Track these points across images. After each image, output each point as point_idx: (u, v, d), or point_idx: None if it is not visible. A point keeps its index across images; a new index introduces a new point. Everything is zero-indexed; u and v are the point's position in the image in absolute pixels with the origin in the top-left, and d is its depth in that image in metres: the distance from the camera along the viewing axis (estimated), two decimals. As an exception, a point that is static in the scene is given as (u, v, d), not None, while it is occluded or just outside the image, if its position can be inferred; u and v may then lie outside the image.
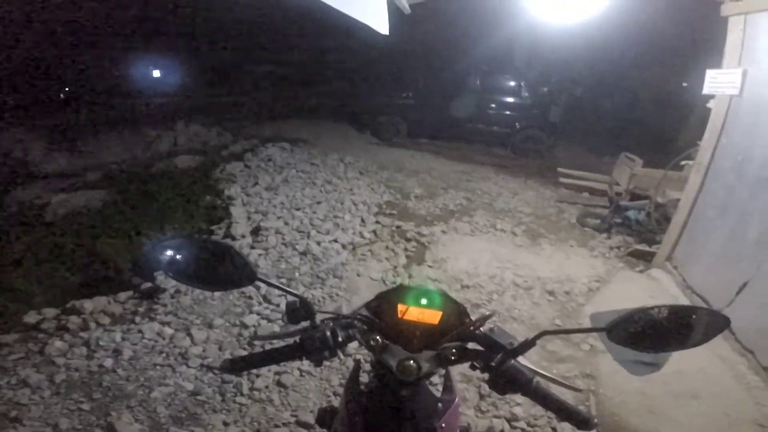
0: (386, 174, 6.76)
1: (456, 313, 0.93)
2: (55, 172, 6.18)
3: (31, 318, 2.70)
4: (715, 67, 3.48)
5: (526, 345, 0.85)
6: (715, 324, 0.80)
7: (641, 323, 0.79)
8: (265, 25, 13.01)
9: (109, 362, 2.39)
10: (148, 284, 3.14)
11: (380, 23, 2.14)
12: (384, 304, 0.95)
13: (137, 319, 2.80)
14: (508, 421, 2.24)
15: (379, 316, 0.95)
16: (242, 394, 2.27)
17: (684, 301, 3.28)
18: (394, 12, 2.77)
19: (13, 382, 2.20)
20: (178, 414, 2.15)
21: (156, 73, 12.10)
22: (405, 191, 6.02)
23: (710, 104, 3.60)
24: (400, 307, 0.92)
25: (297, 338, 0.87)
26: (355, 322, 0.92)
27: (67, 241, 3.82)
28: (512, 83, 9.18)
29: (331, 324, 0.89)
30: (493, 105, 9.22)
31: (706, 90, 3.53)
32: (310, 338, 0.86)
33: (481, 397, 2.39)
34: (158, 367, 2.41)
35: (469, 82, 9.21)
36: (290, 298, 0.91)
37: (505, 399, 2.35)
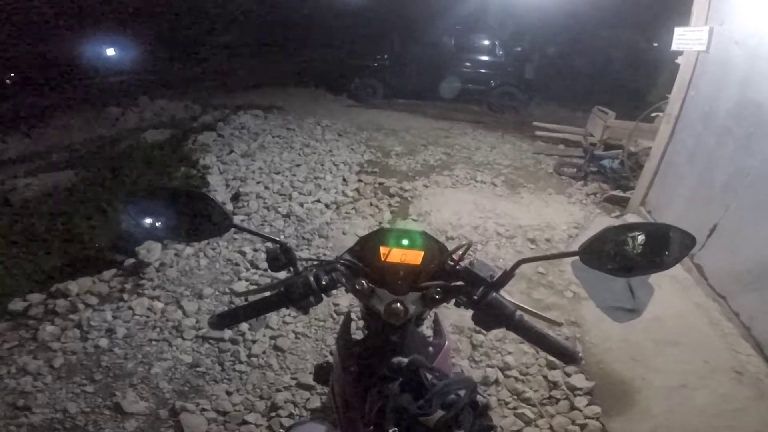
0: (365, 134, 6.72)
1: (437, 252, 0.92)
2: (16, 157, 5.88)
3: (17, 305, 2.63)
4: (684, 25, 3.60)
5: (506, 276, 0.85)
6: (683, 243, 0.80)
7: (612, 244, 0.80)
8: None
9: (104, 342, 2.38)
10: (132, 260, 3.08)
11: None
12: (366, 248, 0.94)
13: (125, 296, 2.77)
14: (501, 369, 2.33)
15: (363, 260, 0.93)
16: (241, 362, 2.31)
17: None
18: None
19: (13, 371, 2.17)
20: (181, 387, 2.18)
21: (110, 51, 11.41)
22: (385, 150, 6.03)
23: (679, 60, 3.72)
24: (383, 250, 0.91)
25: (281, 287, 0.86)
26: (339, 266, 0.91)
27: (39, 225, 3.68)
28: (486, 42, 9.33)
29: (314, 269, 0.88)
30: (468, 63, 9.32)
31: (675, 46, 3.66)
32: (293, 284, 0.84)
33: (474, 347, 2.48)
34: (154, 343, 2.42)
35: (443, 42, 9.26)
36: (270, 244, 0.89)
37: (496, 348, 2.46)
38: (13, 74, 9.57)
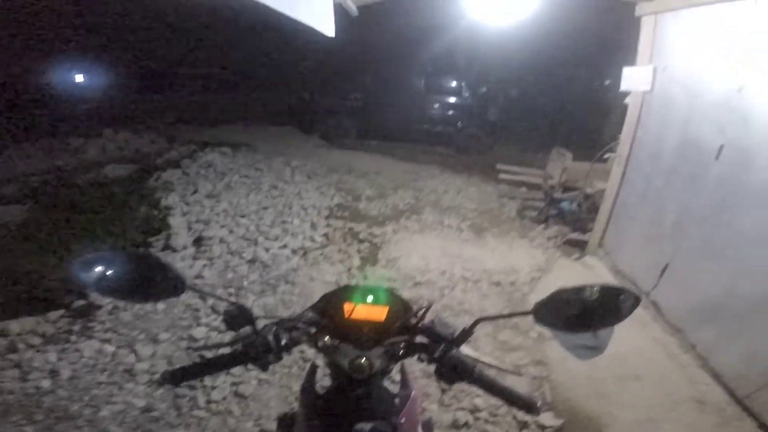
0: (336, 176, 6.74)
1: (401, 308, 0.95)
2: None
3: None
4: (631, 65, 3.77)
5: (465, 333, 0.89)
6: (630, 301, 0.84)
7: (563, 304, 0.85)
8: (203, 26, 12.40)
9: (46, 383, 2.22)
10: (81, 302, 2.92)
11: (326, 26, 2.14)
12: (330, 304, 0.95)
13: (72, 338, 2.60)
14: (471, 412, 2.30)
15: (326, 317, 0.94)
16: (199, 407, 2.19)
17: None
18: (341, 14, 2.78)
19: None
20: (133, 432, 2.03)
21: (79, 78, 11.12)
22: (355, 193, 6.05)
23: (627, 100, 3.89)
24: (347, 306, 0.93)
25: (239, 345, 0.86)
26: (300, 324, 0.92)
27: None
28: (454, 83, 9.55)
29: (274, 328, 0.88)
30: (437, 105, 9.55)
31: (623, 87, 3.82)
32: (252, 344, 0.84)
33: (443, 391, 2.45)
34: (103, 386, 2.27)
35: (414, 84, 9.48)
36: (226, 305, 0.89)
37: (466, 391, 2.43)
38: None
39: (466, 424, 2.22)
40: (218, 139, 8.23)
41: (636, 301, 0.84)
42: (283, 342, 0.86)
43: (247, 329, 0.88)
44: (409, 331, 0.93)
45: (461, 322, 0.93)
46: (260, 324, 0.89)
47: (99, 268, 0.85)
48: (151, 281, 0.86)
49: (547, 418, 2.24)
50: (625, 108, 3.96)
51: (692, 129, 2.97)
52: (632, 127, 3.77)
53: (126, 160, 6.85)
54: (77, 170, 6.25)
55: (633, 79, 3.67)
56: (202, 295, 0.85)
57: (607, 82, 10.44)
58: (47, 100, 9.70)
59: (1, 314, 2.80)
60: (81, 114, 9.45)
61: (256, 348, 0.84)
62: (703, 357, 2.48)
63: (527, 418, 2.25)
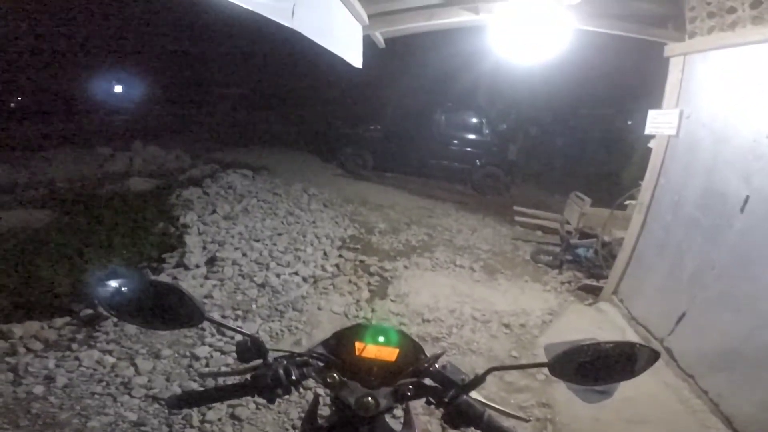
0: (351, 207, 6.77)
1: (412, 350, 0.96)
2: None
3: None
4: (657, 107, 3.67)
5: (477, 381, 0.88)
6: (646, 357, 0.85)
7: (579, 358, 0.84)
8: (239, 49, 12.96)
9: (39, 389, 2.20)
10: (89, 311, 2.94)
11: (355, 57, 2.23)
12: (341, 341, 0.96)
13: (74, 346, 2.60)
14: (473, 455, 2.20)
15: (337, 354, 0.95)
16: (192, 426, 2.14)
17: (629, 331, 3.45)
18: (367, 45, 2.89)
19: None
20: (121, 447, 1.98)
21: (118, 88, 11.65)
22: (369, 226, 6.05)
23: (651, 144, 3.78)
24: (358, 345, 0.94)
25: (249, 376, 0.86)
26: (310, 360, 0.92)
27: (-1, 262, 3.51)
28: (475, 120, 9.44)
29: (285, 362, 0.89)
30: (456, 141, 9.44)
31: (648, 130, 3.69)
32: (262, 376, 0.85)
33: (444, 429, 2.34)
34: (97, 396, 2.24)
35: (434, 118, 9.41)
36: (240, 337, 0.89)
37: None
38: (19, 98, 9.52)
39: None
40: (241, 159, 8.39)
41: (654, 357, 0.84)
42: (293, 377, 0.87)
43: (258, 361, 0.88)
44: (418, 373, 0.93)
45: (471, 369, 0.91)
46: (271, 357, 0.89)
47: (121, 289, 0.86)
48: (171, 309, 0.87)
49: (551, 465, 2.12)
50: (647, 151, 3.87)
51: (717, 177, 2.88)
52: (655, 172, 3.66)
53: (150, 174, 7.03)
54: (102, 181, 6.42)
55: (658, 122, 3.58)
56: (219, 327, 0.86)
57: (629, 122, 10.34)
58: (86, 107, 10.08)
59: (7, 317, 2.83)
60: (115, 125, 9.78)
61: (267, 381, 0.84)
62: (715, 402, 2.41)
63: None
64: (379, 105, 10.13)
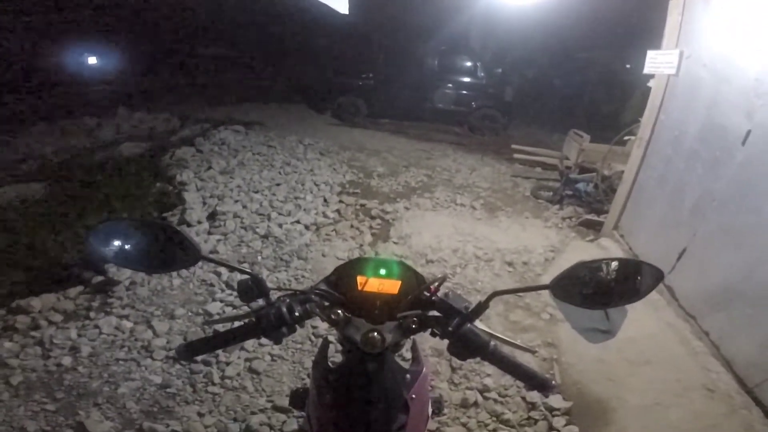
0: (348, 154, 6.73)
1: (414, 281, 0.93)
2: None
3: None
4: (656, 49, 3.69)
5: (480, 308, 0.87)
6: (651, 277, 0.82)
7: (582, 279, 0.82)
8: (215, 5, 12.23)
9: (67, 360, 2.27)
10: (100, 278, 2.97)
11: (340, 2, 2.08)
12: (343, 277, 0.94)
13: (92, 314, 2.65)
14: (481, 392, 2.32)
15: (339, 290, 0.94)
16: (213, 383, 2.23)
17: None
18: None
19: None
20: (150, 408, 2.09)
21: (92, 60, 11.14)
22: (367, 170, 6.04)
23: (650, 83, 3.80)
24: (360, 279, 0.92)
25: (253, 317, 0.85)
26: (313, 296, 0.91)
27: (2, 238, 3.51)
28: (468, 64, 9.46)
29: (287, 300, 0.87)
30: (450, 85, 9.46)
31: (647, 70, 3.74)
32: (265, 315, 0.83)
33: (453, 369, 2.47)
34: (121, 362, 2.32)
35: (427, 63, 9.39)
36: (241, 276, 0.88)
37: (476, 371, 2.45)
38: None
39: (475, 404, 2.25)
40: (231, 117, 8.22)
41: (658, 277, 0.82)
42: (297, 314, 0.85)
43: (260, 302, 0.88)
44: (422, 305, 0.91)
45: (479, 287, 0.91)
46: (274, 296, 0.88)
47: (116, 238, 0.86)
48: (167, 250, 0.87)
49: (555, 401, 2.25)
50: (645, 92, 3.88)
51: (718, 113, 2.87)
52: (655, 110, 3.69)
53: (140, 138, 6.87)
54: (92, 149, 6.31)
55: (658, 62, 3.61)
56: (217, 264, 0.86)
57: (628, 66, 10.25)
58: (61, 82, 9.72)
59: (23, 291, 2.89)
60: (95, 95, 9.49)
61: (270, 320, 0.83)
62: (716, 344, 2.46)
63: (536, 399, 2.27)
64: (369, 53, 9.84)
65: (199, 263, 0.92)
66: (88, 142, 6.71)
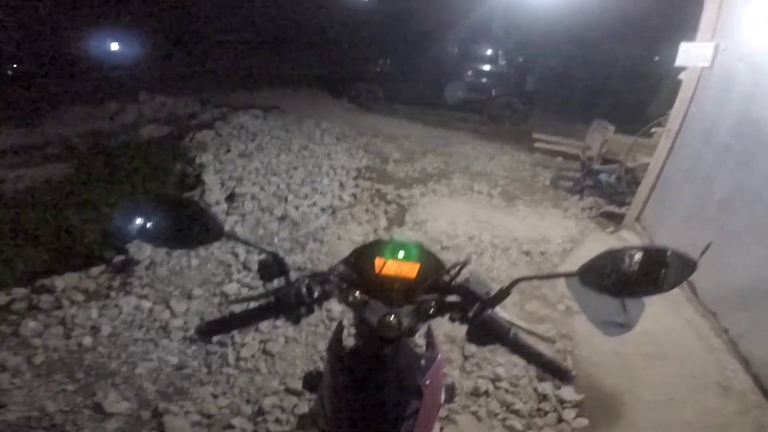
0: (364, 139, 6.70)
1: (433, 265, 0.91)
2: (11, 148, 5.77)
3: None
4: (689, 41, 3.61)
5: (502, 294, 0.85)
6: (683, 267, 0.79)
7: (611, 266, 0.78)
8: None
9: (88, 340, 2.32)
10: (121, 257, 3.04)
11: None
12: (361, 259, 0.93)
13: (112, 293, 2.72)
14: (492, 381, 2.31)
15: (357, 272, 0.93)
16: (228, 365, 2.27)
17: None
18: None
19: None
20: (166, 389, 2.13)
21: (114, 46, 11.33)
22: (384, 156, 6.01)
23: (681, 76, 3.73)
24: (378, 262, 0.90)
25: (272, 297, 0.85)
26: (332, 277, 0.90)
27: (29, 217, 3.62)
28: (489, 51, 9.31)
29: (307, 280, 0.86)
30: (471, 72, 9.33)
31: (679, 62, 3.66)
32: (285, 295, 0.83)
33: (465, 358, 2.45)
34: (140, 342, 2.36)
35: (447, 50, 9.26)
36: (262, 255, 0.88)
37: (488, 359, 2.43)
38: (15, 66, 9.44)
39: (486, 393, 2.24)
40: (250, 101, 8.26)
41: (691, 267, 0.78)
42: (316, 294, 0.85)
43: (279, 281, 0.87)
44: (441, 289, 0.90)
45: (495, 276, 0.88)
46: (293, 276, 0.88)
47: (141, 215, 0.86)
48: (190, 227, 0.87)
49: (567, 393, 2.23)
50: (674, 86, 3.81)
51: (754, 108, 2.77)
52: (685, 102, 3.62)
53: (161, 122, 7.01)
54: (115, 132, 6.45)
55: (691, 54, 3.54)
56: (238, 242, 0.86)
57: (656, 59, 10.07)
58: (84, 68, 9.91)
59: (48, 269, 2.97)
60: (116, 80, 9.65)
61: (289, 299, 0.83)
62: (734, 342, 2.41)
63: (547, 390, 2.25)
64: (388, 39, 9.82)
65: (219, 243, 0.93)
66: (111, 125, 6.86)
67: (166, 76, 10.30)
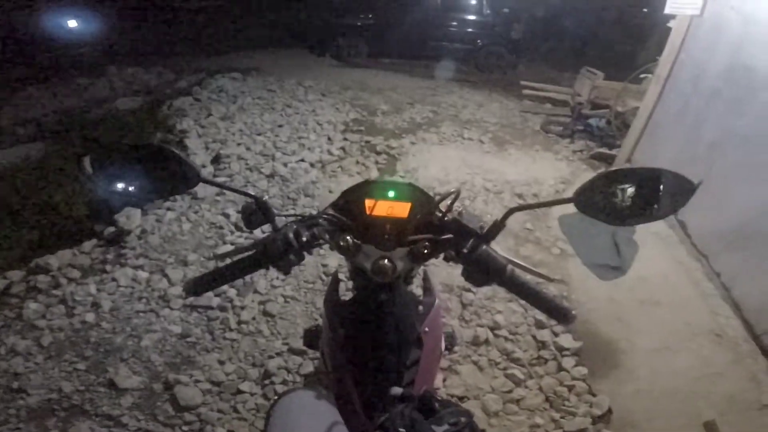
0: (350, 94, 6.55)
1: (425, 203, 0.87)
2: None
3: None
4: None
5: (497, 226, 0.80)
6: (682, 189, 0.75)
7: (606, 189, 0.75)
8: None
9: (90, 317, 2.31)
10: (111, 228, 2.97)
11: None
12: (351, 201, 0.88)
13: (108, 267, 2.68)
14: (491, 329, 2.36)
15: (347, 215, 0.87)
16: (231, 329, 2.29)
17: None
18: None
19: (2, 353, 2.10)
20: (173, 359, 2.14)
21: (72, 23, 10.68)
22: (371, 108, 5.90)
23: (671, 24, 3.75)
24: (368, 203, 0.85)
25: (259, 247, 0.80)
26: (321, 221, 0.86)
27: (11, 198, 3.51)
28: (474, 2, 9.17)
29: (294, 225, 0.82)
30: (455, 23, 9.19)
31: (668, 10, 3.71)
32: (272, 242, 0.79)
33: (464, 306, 2.50)
34: (141, 314, 2.36)
35: (430, 1, 9.06)
36: (245, 200, 0.83)
37: (486, 307, 2.48)
38: None
39: (486, 341, 2.28)
40: (227, 66, 7.93)
41: (690, 188, 0.74)
42: (305, 239, 0.81)
43: (266, 228, 0.83)
44: (434, 228, 0.86)
45: (489, 221, 0.84)
46: (279, 222, 0.84)
47: (113, 166, 0.81)
48: (166, 174, 0.81)
49: (565, 340, 2.27)
50: (662, 34, 3.87)
51: (744, 54, 2.82)
52: (675, 49, 3.66)
53: (135, 93, 6.71)
54: (87, 108, 6.17)
55: (680, 3, 3.59)
56: (216, 186, 0.81)
57: (645, 10, 10.05)
58: (45, 46, 9.33)
59: (39, 248, 2.91)
60: (81, 57, 9.13)
61: (277, 246, 0.78)
62: (727, 287, 2.43)
63: (546, 338, 2.29)
64: None
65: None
66: (83, 101, 6.54)
67: (135, 47, 9.76)
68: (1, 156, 4.42)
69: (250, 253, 0.81)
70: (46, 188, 3.63)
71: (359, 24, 9.23)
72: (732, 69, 2.91)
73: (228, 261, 0.83)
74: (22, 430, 1.80)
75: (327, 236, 0.85)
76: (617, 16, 11.30)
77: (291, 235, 0.79)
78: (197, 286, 0.80)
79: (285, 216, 0.87)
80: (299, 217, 0.86)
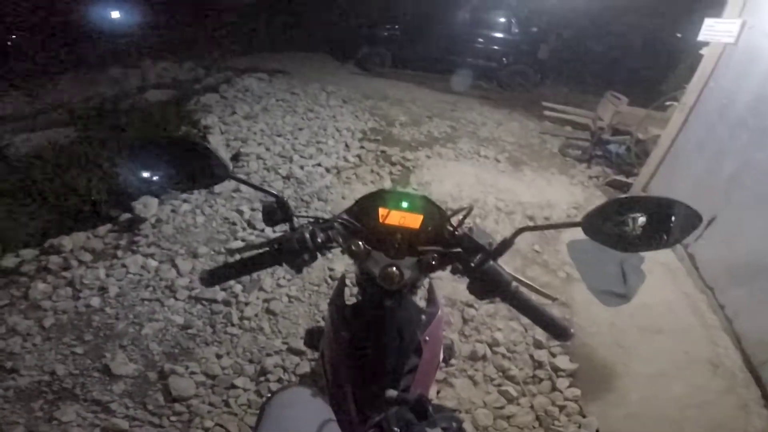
0: (370, 102, 6.61)
1: (437, 217, 0.90)
2: (15, 114, 5.75)
3: (8, 261, 2.55)
4: (713, 16, 3.57)
5: (505, 244, 0.83)
6: (689, 220, 0.76)
7: (615, 216, 0.76)
8: None
9: (96, 301, 2.34)
10: (127, 215, 3.05)
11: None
12: (365, 208, 0.92)
13: (119, 253, 2.73)
14: (490, 345, 2.35)
15: (360, 221, 0.91)
16: (232, 324, 2.31)
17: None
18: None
19: (2, 331, 2.13)
20: (171, 349, 2.16)
21: (115, 14, 11.14)
22: (390, 119, 5.95)
23: (703, 51, 3.69)
24: (381, 211, 0.89)
25: (275, 244, 0.84)
26: (336, 224, 0.90)
27: (35, 178, 3.63)
28: (502, 19, 9.19)
29: (311, 226, 0.86)
30: (482, 39, 9.21)
31: (702, 37, 3.63)
32: (288, 240, 0.83)
33: (465, 321, 2.49)
34: (146, 303, 2.39)
35: (458, 16, 9.13)
36: (267, 198, 0.87)
37: (487, 324, 2.47)
38: (14, 36, 9.26)
39: (483, 357, 2.27)
40: (255, 65, 8.12)
41: (697, 220, 0.75)
42: (319, 240, 0.84)
43: (284, 227, 0.87)
44: (444, 241, 0.88)
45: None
46: (297, 222, 0.88)
47: (148, 157, 0.86)
48: (196, 167, 0.86)
49: (562, 361, 2.26)
50: (692, 62, 3.83)
51: None
52: (704, 77, 3.60)
53: (165, 86, 6.95)
54: (118, 97, 6.38)
55: (715, 30, 3.51)
56: (243, 183, 0.85)
57: (679, 35, 9.85)
58: (86, 35, 9.72)
59: (56, 229, 2.98)
60: (119, 48, 9.48)
61: (293, 245, 0.82)
62: (729, 319, 2.42)
63: (543, 358, 2.28)
64: (397, 3, 9.74)
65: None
66: (115, 90, 6.78)
67: (169, 42, 10.10)
68: (31, 138, 4.58)
69: (266, 249, 0.85)
70: (69, 171, 3.75)
71: (386, 34, 9.32)
72: (760, 99, 2.86)
73: (241, 256, 0.86)
74: (6, 410, 1.80)
75: (340, 239, 0.88)
76: (647, 40, 11.18)
77: (307, 236, 0.83)
78: (213, 277, 0.85)
79: (302, 217, 0.90)
80: (316, 220, 0.90)
